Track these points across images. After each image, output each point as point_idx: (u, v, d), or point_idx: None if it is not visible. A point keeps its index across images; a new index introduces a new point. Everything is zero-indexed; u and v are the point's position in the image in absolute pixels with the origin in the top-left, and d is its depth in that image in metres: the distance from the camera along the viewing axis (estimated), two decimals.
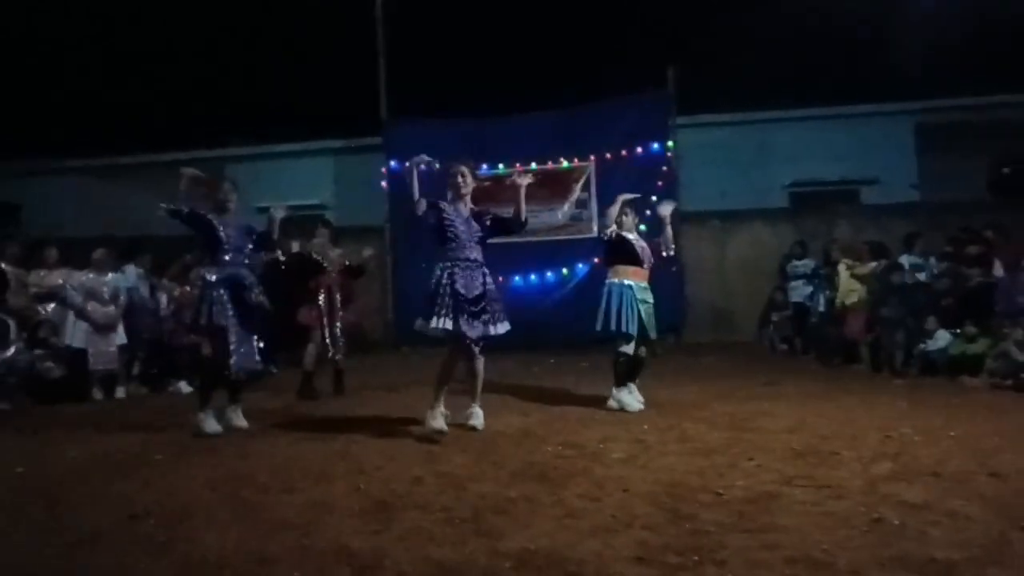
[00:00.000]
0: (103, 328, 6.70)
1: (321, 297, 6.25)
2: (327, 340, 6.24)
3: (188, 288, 7.30)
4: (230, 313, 4.52)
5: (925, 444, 3.85)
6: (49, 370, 6.50)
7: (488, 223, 4.50)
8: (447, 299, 4.22)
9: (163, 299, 7.41)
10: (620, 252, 5.27)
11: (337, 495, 3.07)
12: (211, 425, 4.54)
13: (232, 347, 4.50)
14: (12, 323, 6.45)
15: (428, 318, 4.25)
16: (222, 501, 3.02)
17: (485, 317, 4.31)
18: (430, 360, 8.84)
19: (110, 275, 6.91)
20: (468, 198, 4.55)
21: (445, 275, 4.28)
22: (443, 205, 4.49)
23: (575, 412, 5.06)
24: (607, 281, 5.25)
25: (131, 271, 7.28)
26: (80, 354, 6.61)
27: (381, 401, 5.95)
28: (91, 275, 6.79)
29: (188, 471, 3.57)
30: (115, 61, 14.94)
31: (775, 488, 3.05)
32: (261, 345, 4.71)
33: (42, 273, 7.12)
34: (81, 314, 6.64)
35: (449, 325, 4.20)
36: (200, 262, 5.74)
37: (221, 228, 4.64)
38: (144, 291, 7.21)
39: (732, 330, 10.88)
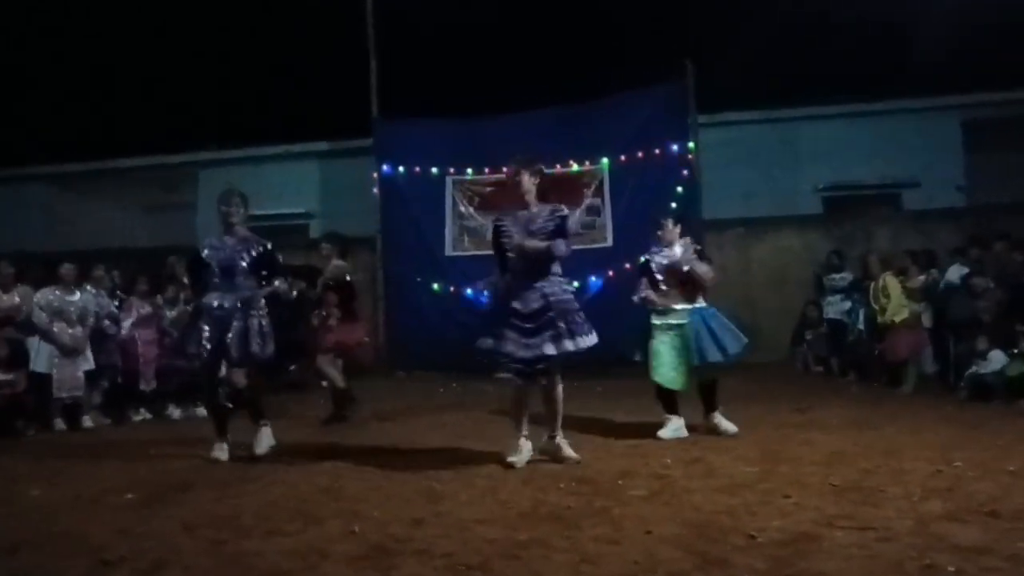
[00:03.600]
0: (70, 351, 6.73)
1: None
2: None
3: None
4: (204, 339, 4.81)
5: (980, 479, 3.84)
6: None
7: None
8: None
9: (127, 320, 7.37)
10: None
11: (329, 539, 3.08)
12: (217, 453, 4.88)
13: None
14: None
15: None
16: (202, 547, 3.02)
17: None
18: (426, 386, 8.95)
19: (78, 293, 6.95)
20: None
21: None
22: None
23: (589, 443, 5.05)
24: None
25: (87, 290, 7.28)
26: (44, 380, 6.63)
27: (374, 432, 5.96)
28: (57, 293, 6.81)
29: (163, 512, 3.58)
30: (80, 60, 15.06)
31: (814, 529, 3.05)
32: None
33: None
34: (47, 336, 6.66)
35: None
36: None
37: (206, 250, 4.96)
38: (99, 311, 7.16)
39: (758, 349, 10.82)
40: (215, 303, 4.82)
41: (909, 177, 11.78)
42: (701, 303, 5.36)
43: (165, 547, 3.03)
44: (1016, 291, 7.25)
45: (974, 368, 6.94)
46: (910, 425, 5.51)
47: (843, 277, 9.35)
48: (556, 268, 4.47)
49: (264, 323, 4.86)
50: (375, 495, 3.78)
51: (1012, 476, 3.89)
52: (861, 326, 8.51)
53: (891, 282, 7.82)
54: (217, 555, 2.91)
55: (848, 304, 9.02)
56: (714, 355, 5.16)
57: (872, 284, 8.09)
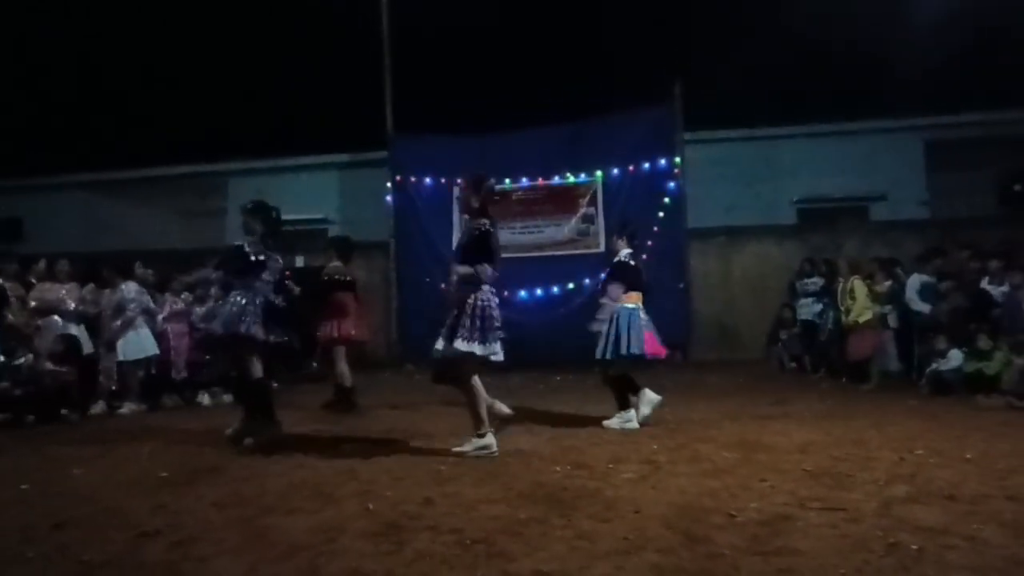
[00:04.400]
0: (107, 343, 6.79)
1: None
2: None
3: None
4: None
5: (940, 466, 3.85)
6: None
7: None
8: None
9: (161, 314, 7.41)
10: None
11: (346, 517, 3.08)
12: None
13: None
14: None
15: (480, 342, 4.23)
16: (231, 523, 3.03)
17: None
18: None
19: (122, 287, 7.02)
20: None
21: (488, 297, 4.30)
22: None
23: (583, 432, 5.07)
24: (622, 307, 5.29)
25: (132, 287, 7.32)
26: (90, 366, 6.71)
27: (386, 420, 5.97)
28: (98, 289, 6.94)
29: (195, 491, 3.59)
30: (119, 75, 15.10)
31: (789, 510, 3.05)
32: None
33: (47, 286, 7.18)
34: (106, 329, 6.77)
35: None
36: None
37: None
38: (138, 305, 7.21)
39: (738, 347, 10.89)
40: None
41: (877, 191, 11.79)
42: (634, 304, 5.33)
43: (197, 523, 3.04)
44: (974, 296, 7.28)
45: (934, 366, 6.95)
46: (876, 417, 5.51)
47: (815, 282, 9.36)
48: (484, 273, 4.27)
49: (234, 304, 4.70)
50: (387, 477, 3.79)
51: (969, 463, 3.90)
52: (831, 327, 8.52)
53: (857, 285, 7.81)
54: (244, 530, 2.92)
55: (819, 307, 9.03)
56: (608, 352, 5.22)
57: (840, 285, 8.10)
